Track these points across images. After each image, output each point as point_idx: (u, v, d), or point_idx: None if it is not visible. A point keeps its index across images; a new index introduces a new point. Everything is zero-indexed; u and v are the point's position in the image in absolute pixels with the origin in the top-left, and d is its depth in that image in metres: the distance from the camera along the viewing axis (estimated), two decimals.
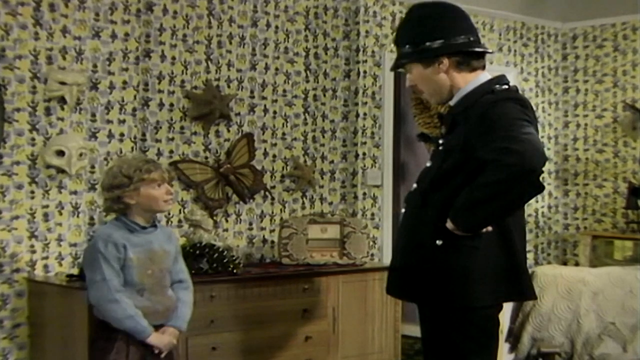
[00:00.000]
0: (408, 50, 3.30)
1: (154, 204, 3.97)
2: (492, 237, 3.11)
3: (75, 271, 5.01)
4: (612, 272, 5.06)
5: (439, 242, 3.12)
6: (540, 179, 2.98)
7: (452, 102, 3.29)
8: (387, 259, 6.37)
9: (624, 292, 4.90)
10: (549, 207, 7.76)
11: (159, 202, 3.98)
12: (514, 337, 5.08)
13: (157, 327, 3.96)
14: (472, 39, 3.26)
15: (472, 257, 3.10)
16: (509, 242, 3.15)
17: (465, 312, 3.13)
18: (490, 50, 3.37)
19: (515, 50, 7.53)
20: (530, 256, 7.51)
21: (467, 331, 3.14)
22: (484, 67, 3.29)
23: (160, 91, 5.59)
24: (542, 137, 7.67)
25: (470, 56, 3.24)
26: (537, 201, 7.62)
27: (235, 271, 5.21)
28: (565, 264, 7.66)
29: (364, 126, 6.51)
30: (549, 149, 7.73)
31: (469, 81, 3.24)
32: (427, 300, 3.22)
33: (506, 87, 3.22)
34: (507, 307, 4.81)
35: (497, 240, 3.12)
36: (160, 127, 5.59)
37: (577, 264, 7.34)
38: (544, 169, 2.96)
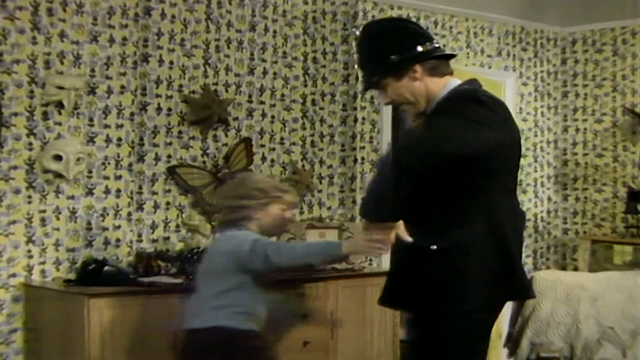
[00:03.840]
0: (375, 67, 3.30)
1: (277, 224, 3.93)
2: (486, 239, 3.09)
3: (72, 276, 5.02)
4: (612, 277, 5.06)
5: (433, 247, 3.09)
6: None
7: (429, 109, 3.28)
8: (385, 264, 6.36)
9: (623, 297, 4.90)
10: (548, 212, 7.76)
11: (281, 225, 3.97)
12: (513, 342, 5.08)
13: None
14: (436, 45, 3.30)
15: (466, 261, 3.07)
16: (503, 244, 3.12)
17: (455, 316, 3.11)
18: (455, 54, 3.43)
19: (514, 55, 7.54)
20: (529, 261, 7.52)
21: (456, 335, 3.12)
22: (452, 73, 3.32)
23: (158, 95, 5.59)
24: (542, 141, 7.68)
25: (439, 62, 3.28)
26: (536, 206, 7.63)
27: None
28: (564, 268, 7.66)
29: (362, 131, 6.51)
30: (548, 153, 7.74)
31: (442, 86, 3.26)
32: (418, 306, 3.19)
33: (473, 88, 3.24)
34: (506, 312, 4.81)
35: (490, 243, 3.09)
36: (158, 132, 5.59)
37: (576, 269, 7.34)
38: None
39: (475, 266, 3.07)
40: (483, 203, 3.10)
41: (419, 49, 3.24)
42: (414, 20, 6.61)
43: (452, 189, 3.10)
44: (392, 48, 3.25)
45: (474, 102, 3.11)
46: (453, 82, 3.29)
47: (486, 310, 3.15)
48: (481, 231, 3.08)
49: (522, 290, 3.26)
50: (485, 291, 3.08)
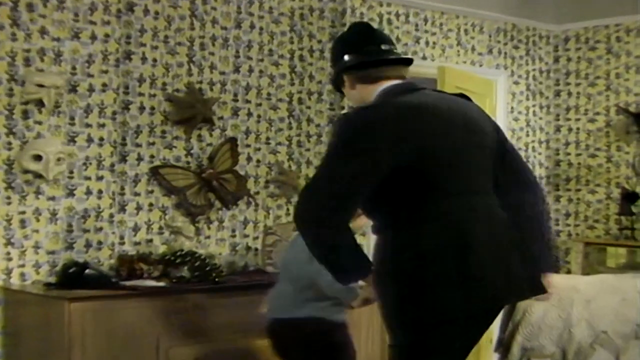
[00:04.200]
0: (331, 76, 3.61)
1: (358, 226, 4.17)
2: (442, 243, 3.04)
3: (53, 280, 5.04)
4: (605, 279, 5.10)
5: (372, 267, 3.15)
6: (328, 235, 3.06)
7: None
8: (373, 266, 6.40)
9: (616, 300, 4.93)
10: None
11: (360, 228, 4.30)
12: (504, 347, 5.11)
13: None
14: (366, 49, 3.36)
15: (422, 271, 3.03)
16: (464, 247, 3.03)
17: (420, 328, 3.08)
18: (402, 57, 3.43)
19: (505, 53, 7.58)
20: None
21: (423, 346, 3.11)
22: (390, 77, 3.34)
23: (141, 94, 5.62)
24: (534, 141, 7.73)
25: (373, 69, 3.33)
26: None
27: (217, 280, 5.24)
28: (557, 271, 7.69)
29: None
30: (540, 153, 7.79)
31: (372, 93, 3.31)
32: (385, 316, 3.19)
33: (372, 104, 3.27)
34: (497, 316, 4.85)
35: (448, 247, 3.03)
36: (141, 131, 5.62)
37: (569, 272, 7.37)
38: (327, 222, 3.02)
39: (432, 274, 3.02)
40: (432, 208, 3.08)
41: (345, 58, 3.36)
42: (404, 17, 6.68)
43: (392, 197, 3.12)
44: (333, 59, 3.49)
45: (353, 128, 3.10)
46: (383, 86, 3.31)
47: (451, 322, 3.05)
48: (436, 235, 3.05)
49: (501, 293, 3.12)
50: (445, 301, 3.01)
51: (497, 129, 3.38)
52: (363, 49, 3.36)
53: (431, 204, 3.07)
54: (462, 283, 3.00)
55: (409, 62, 3.44)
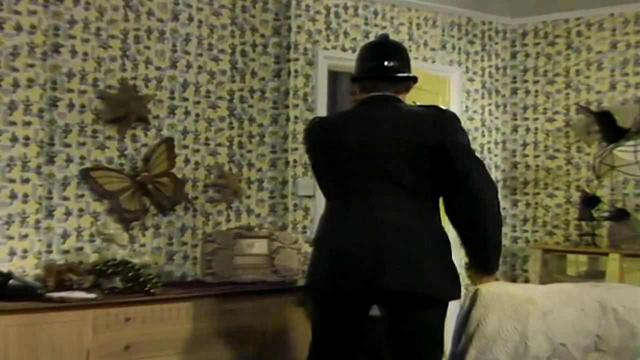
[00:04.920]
0: None
1: None
2: (324, 236, 4.26)
3: None
4: (563, 289, 5.15)
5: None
6: None
7: None
8: None
9: (575, 311, 4.99)
10: None
11: None
12: None
13: None
14: (363, 67, 4.41)
15: (314, 255, 4.30)
16: (331, 240, 4.18)
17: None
18: (361, 75, 4.41)
19: (459, 48, 7.66)
20: None
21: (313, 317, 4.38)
22: (376, 90, 4.35)
23: (70, 90, 5.60)
24: (489, 142, 7.81)
25: (367, 81, 4.38)
26: None
27: (152, 291, 5.23)
28: (514, 280, 7.75)
29: (295, 131, 6.57)
30: (496, 155, 7.87)
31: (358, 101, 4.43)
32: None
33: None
34: (449, 329, 4.90)
35: (325, 239, 4.24)
36: (70, 131, 5.60)
37: (527, 281, 7.42)
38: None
39: (316, 259, 4.25)
40: (326, 206, 4.35)
41: (355, 71, 4.47)
42: (352, 9, 6.73)
43: None
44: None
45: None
46: (360, 99, 4.42)
47: (321, 300, 4.24)
48: (324, 228, 4.28)
49: (341, 285, 4.09)
50: (320, 283, 4.19)
51: (423, 138, 4.11)
52: (365, 64, 4.40)
53: (327, 203, 4.34)
54: (321, 270, 4.17)
55: (393, 79, 4.35)
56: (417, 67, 7.09)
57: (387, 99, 4.28)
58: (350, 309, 4.19)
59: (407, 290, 4.05)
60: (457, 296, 4.34)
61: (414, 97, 6.28)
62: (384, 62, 4.34)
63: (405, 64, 4.39)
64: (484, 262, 4.43)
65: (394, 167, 4.09)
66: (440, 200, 4.22)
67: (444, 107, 4.31)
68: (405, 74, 4.36)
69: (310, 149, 4.40)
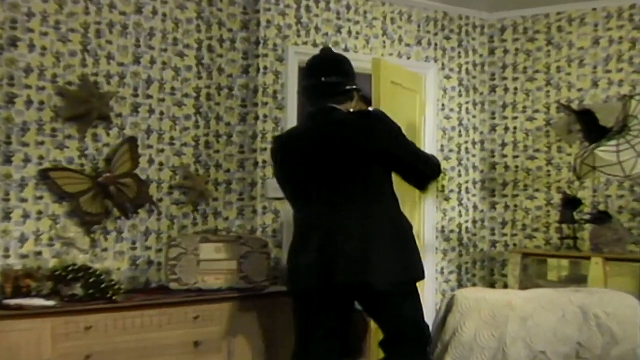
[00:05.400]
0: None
1: None
2: (295, 237, 5.04)
3: None
4: (543, 294, 5.19)
5: None
6: None
7: None
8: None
9: (556, 317, 5.02)
10: (474, 222, 7.92)
11: None
12: None
13: None
14: (305, 84, 5.15)
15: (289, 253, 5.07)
16: (297, 240, 5.00)
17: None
18: (303, 93, 5.22)
19: (436, 44, 7.69)
20: (453, 277, 7.67)
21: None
22: (321, 104, 5.04)
23: (28, 87, 5.59)
24: (467, 142, 7.84)
25: (305, 97, 5.21)
26: (460, 215, 7.78)
27: (115, 298, 5.22)
28: (493, 286, 7.77)
29: (264, 130, 6.58)
30: (474, 155, 7.90)
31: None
32: None
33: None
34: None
35: (295, 239, 5.03)
36: (29, 129, 5.58)
37: (506, 286, 7.44)
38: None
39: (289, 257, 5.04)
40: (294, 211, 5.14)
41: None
42: (324, 3, 6.75)
43: None
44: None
45: None
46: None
47: (298, 294, 4.98)
48: (296, 232, 5.04)
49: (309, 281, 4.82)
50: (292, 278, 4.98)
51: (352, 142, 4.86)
52: (306, 81, 5.11)
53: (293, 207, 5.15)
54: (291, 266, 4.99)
55: (331, 94, 5.02)
56: (395, 64, 7.14)
57: (327, 111, 4.98)
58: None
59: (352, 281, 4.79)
60: (409, 277, 4.90)
61: (391, 94, 6.33)
62: (322, 78, 5.01)
63: (345, 76, 5.06)
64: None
65: (340, 173, 4.86)
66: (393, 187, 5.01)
67: (371, 109, 5.23)
68: (344, 89, 5.04)
69: (274, 165, 5.28)
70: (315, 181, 4.89)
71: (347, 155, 4.82)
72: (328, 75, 5.01)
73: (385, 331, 4.99)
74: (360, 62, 6.76)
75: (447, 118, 7.71)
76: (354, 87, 5.07)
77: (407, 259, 4.86)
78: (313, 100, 5.06)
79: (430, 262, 7.42)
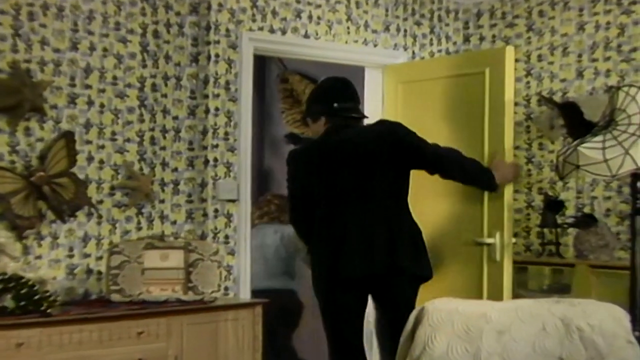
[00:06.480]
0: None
1: None
2: (318, 235, 5.90)
3: None
4: (521, 305, 5.21)
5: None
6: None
7: None
8: (245, 294, 6.46)
9: (535, 329, 5.05)
10: None
11: None
12: None
13: None
14: (340, 107, 6.03)
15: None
16: (323, 239, 5.84)
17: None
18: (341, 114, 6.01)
19: (405, 30, 7.71)
20: None
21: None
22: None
23: None
24: None
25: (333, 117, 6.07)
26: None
27: (49, 311, 5.22)
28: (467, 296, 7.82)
29: (215, 124, 6.59)
30: None
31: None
32: None
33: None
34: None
35: (320, 237, 5.88)
36: None
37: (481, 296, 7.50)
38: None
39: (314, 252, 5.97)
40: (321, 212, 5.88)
41: (324, 106, 6.06)
42: None
43: None
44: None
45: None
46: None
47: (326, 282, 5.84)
48: (317, 230, 5.88)
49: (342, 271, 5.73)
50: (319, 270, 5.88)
51: (384, 147, 5.82)
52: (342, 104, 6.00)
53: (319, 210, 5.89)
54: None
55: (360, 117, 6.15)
56: (356, 52, 7.17)
57: (349, 124, 5.95)
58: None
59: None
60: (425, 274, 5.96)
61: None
62: (349, 102, 6.00)
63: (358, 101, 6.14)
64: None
65: (365, 178, 5.77)
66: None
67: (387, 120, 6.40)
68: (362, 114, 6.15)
69: (295, 172, 6.02)
70: (346, 184, 5.78)
71: (379, 160, 5.76)
72: (353, 100, 6.05)
73: (389, 319, 5.86)
74: (322, 50, 6.82)
75: None
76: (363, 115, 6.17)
77: (424, 258, 5.88)
78: (338, 120, 5.94)
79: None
